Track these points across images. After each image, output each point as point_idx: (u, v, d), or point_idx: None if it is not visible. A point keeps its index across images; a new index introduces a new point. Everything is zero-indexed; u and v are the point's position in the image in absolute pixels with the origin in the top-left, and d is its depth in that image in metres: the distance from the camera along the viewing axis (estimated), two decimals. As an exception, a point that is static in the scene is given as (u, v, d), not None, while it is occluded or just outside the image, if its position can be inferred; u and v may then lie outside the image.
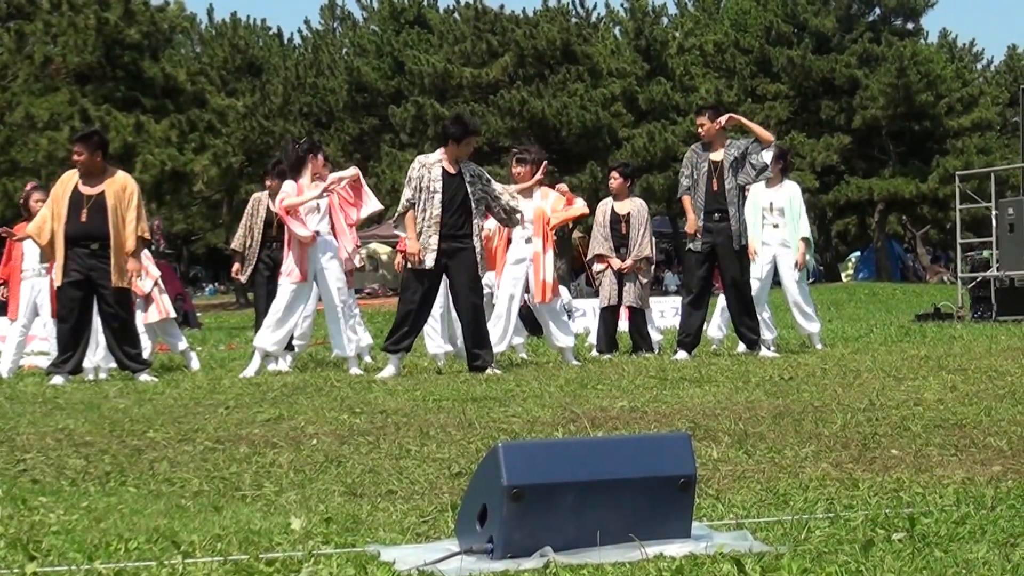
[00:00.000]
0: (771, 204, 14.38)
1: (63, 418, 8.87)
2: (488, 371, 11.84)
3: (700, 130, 13.49)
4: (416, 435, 7.39)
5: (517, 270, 13.51)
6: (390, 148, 48.97)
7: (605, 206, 15.02)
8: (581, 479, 4.24)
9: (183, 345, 14.92)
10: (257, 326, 14.36)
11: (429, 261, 12.14)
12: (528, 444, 4.89)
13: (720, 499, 5.26)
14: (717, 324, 15.07)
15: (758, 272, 14.18)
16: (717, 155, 13.40)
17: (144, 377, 12.67)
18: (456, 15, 53.80)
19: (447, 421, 8.01)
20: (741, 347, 13.82)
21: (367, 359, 14.37)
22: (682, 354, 13.25)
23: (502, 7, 51.62)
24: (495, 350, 13.13)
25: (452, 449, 6.82)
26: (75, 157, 12.98)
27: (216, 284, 70.39)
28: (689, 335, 13.44)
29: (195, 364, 14.62)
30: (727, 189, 13.30)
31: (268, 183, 14.37)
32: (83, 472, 6.46)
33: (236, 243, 14.64)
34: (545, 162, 13.85)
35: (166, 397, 10.43)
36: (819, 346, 14.50)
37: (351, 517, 5.04)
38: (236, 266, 14.61)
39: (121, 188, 12.91)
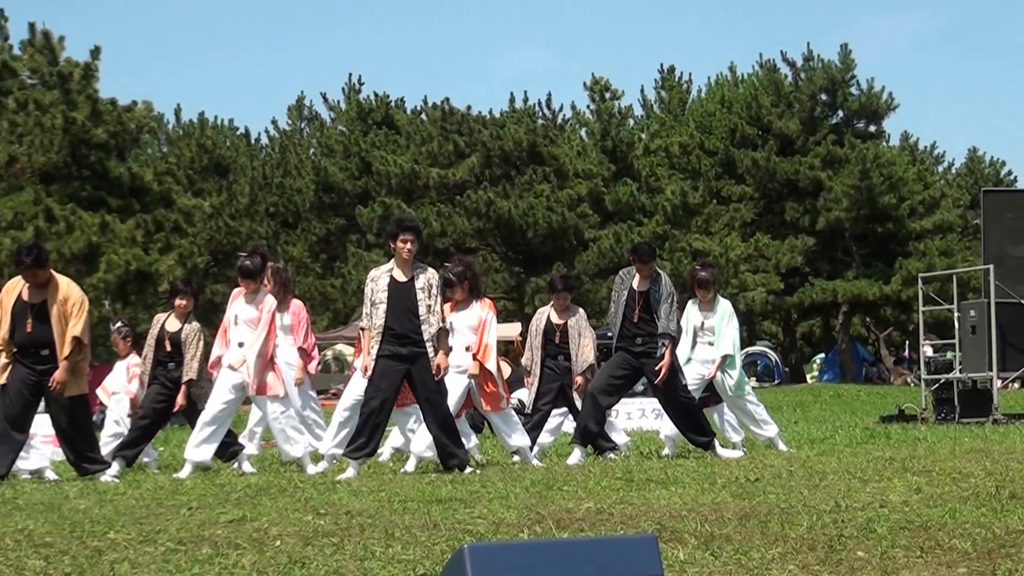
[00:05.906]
0: (702, 323, 14.47)
1: (22, 519, 8.78)
2: (468, 470, 12.04)
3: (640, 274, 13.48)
4: (381, 536, 7.34)
5: (460, 379, 13.48)
6: (356, 248, 49.03)
7: (540, 316, 14.94)
8: (547, 581, 4.21)
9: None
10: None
11: (370, 369, 12.32)
12: (494, 546, 4.86)
13: (686, 602, 5.23)
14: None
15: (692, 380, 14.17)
16: (643, 285, 13.46)
17: (105, 477, 12.57)
18: (423, 116, 54.12)
19: (412, 522, 7.97)
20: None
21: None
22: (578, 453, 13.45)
23: (469, 108, 51.93)
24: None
25: (417, 551, 6.78)
26: (32, 279, 12.75)
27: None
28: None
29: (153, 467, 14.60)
30: (645, 320, 13.35)
31: (181, 302, 14.34)
32: (43, 573, 6.39)
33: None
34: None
35: (127, 497, 10.35)
36: (782, 447, 14.48)
37: (314, 620, 4.99)
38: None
39: (64, 297, 12.77)
